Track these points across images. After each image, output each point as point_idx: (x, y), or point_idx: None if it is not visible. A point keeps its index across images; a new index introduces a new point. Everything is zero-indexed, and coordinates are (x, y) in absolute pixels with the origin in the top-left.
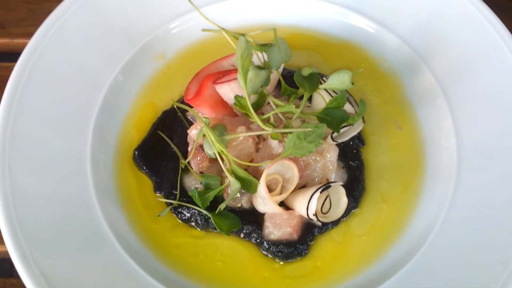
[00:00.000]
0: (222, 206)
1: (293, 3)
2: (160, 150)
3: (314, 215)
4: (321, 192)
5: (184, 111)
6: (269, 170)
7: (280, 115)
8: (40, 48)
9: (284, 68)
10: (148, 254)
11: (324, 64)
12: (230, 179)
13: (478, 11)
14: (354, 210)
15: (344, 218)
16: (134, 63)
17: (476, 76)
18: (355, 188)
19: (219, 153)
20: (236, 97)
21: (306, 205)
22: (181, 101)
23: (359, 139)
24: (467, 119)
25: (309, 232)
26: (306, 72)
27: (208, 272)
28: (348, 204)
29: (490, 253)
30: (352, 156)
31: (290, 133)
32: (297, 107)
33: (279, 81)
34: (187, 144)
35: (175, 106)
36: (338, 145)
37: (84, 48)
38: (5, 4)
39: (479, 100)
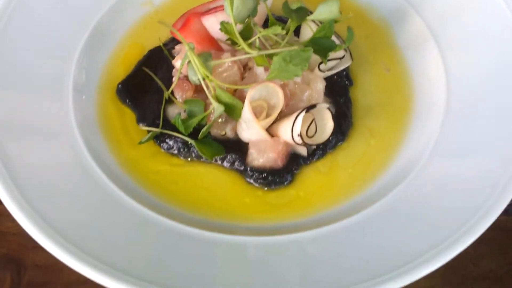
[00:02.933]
0: (205, 129)
1: None
2: (144, 85)
3: (299, 135)
4: (306, 112)
5: (170, 49)
6: (253, 93)
7: (266, 44)
8: None
9: (272, 14)
10: (128, 179)
11: None
12: (213, 103)
13: None
14: (341, 143)
15: (331, 150)
16: (120, 7)
17: (465, 19)
18: (342, 122)
19: (203, 79)
20: (222, 23)
21: (291, 126)
22: (168, 41)
23: (347, 77)
24: (456, 60)
25: (295, 161)
26: (294, 5)
27: (188, 198)
28: (335, 132)
29: (473, 183)
30: (339, 93)
31: (277, 55)
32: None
33: (267, 20)
34: (172, 80)
35: (161, 44)
36: (326, 81)
37: None
38: None
39: (467, 43)
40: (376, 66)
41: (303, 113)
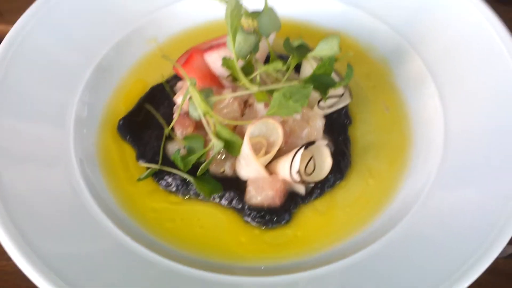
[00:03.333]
0: (204, 165)
1: None
2: (145, 121)
3: (297, 172)
4: (305, 149)
5: (172, 86)
6: (253, 129)
7: (266, 79)
8: (33, 21)
9: (275, 52)
10: (125, 215)
11: None
12: (213, 140)
13: None
14: (339, 182)
15: (329, 189)
16: (126, 43)
17: (464, 60)
18: (341, 160)
19: (204, 115)
20: (224, 58)
21: (290, 163)
22: (171, 78)
23: (346, 116)
24: (454, 98)
25: (293, 200)
26: (295, 43)
27: (184, 236)
28: (333, 171)
29: (471, 222)
30: (338, 131)
31: (277, 91)
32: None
33: (268, 57)
34: (173, 117)
35: (163, 80)
36: (325, 119)
37: (77, 25)
38: None
39: (466, 83)
40: (376, 105)
41: (301, 150)
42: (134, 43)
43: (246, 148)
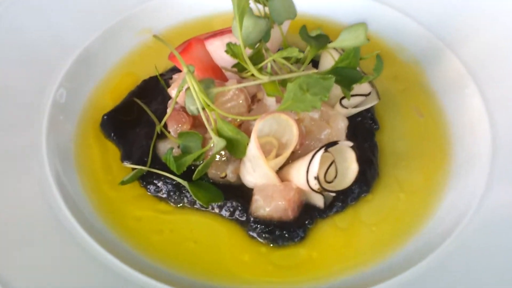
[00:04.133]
0: (201, 168)
1: None
2: (134, 118)
3: (315, 178)
4: (325, 151)
5: (167, 80)
6: (261, 125)
7: (279, 71)
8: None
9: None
10: (101, 224)
11: None
12: (213, 138)
13: None
14: (365, 195)
15: (353, 202)
16: (115, 32)
17: (509, 60)
18: (367, 170)
19: (203, 109)
20: (229, 44)
21: (306, 168)
22: (166, 72)
23: (372, 120)
24: (501, 105)
25: (308, 213)
26: (313, 33)
27: (173, 252)
28: (358, 180)
29: None
30: (364, 136)
31: (292, 82)
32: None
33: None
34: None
35: (156, 73)
36: (349, 122)
37: (59, 9)
38: None
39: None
40: (407, 110)
41: (321, 152)
42: (126, 33)
43: (253, 148)
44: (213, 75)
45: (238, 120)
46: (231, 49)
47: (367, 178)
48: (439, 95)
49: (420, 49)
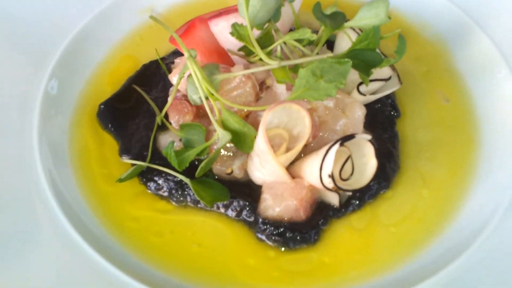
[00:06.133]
0: (204, 164)
1: None
2: (133, 107)
3: (330, 176)
4: (340, 145)
5: (169, 64)
6: (270, 116)
7: (288, 52)
8: None
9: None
10: (95, 223)
11: None
12: (218, 130)
13: None
14: (384, 191)
15: (370, 200)
16: (113, 12)
17: None
18: (387, 163)
19: (206, 98)
20: (234, 24)
21: (320, 164)
22: (168, 55)
23: (392, 106)
24: None
25: (322, 213)
26: (328, 11)
27: (174, 256)
28: (377, 175)
29: None
30: (383, 126)
31: (303, 68)
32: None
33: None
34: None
35: (157, 57)
36: (367, 110)
37: None
38: None
39: None
40: (431, 95)
41: (336, 147)
42: (124, 13)
43: (261, 142)
44: (218, 59)
45: (245, 110)
46: (236, 30)
47: (387, 172)
48: (467, 78)
49: (446, 26)
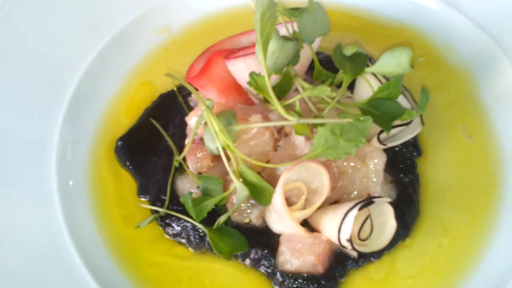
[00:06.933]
0: (222, 218)
1: None
2: (151, 143)
3: (348, 241)
4: (359, 210)
5: (186, 95)
6: (289, 174)
7: (310, 104)
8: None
9: (319, 53)
10: (114, 268)
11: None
12: (236, 184)
13: None
14: (403, 240)
15: (389, 249)
16: (130, 34)
17: None
18: (407, 210)
19: (223, 148)
20: (252, 74)
21: (338, 227)
22: None
23: (414, 146)
24: None
25: (340, 265)
26: (349, 51)
27: None
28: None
29: None
30: (404, 169)
31: (322, 125)
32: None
33: (312, 63)
34: (185, 138)
35: (174, 88)
36: (387, 152)
37: (64, 11)
38: None
39: None
40: (453, 130)
41: (354, 211)
42: (141, 34)
43: (279, 202)
44: (236, 95)
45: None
46: (254, 80)
47: (406, 220)
48: (492, 112)
49: (471, 52)
